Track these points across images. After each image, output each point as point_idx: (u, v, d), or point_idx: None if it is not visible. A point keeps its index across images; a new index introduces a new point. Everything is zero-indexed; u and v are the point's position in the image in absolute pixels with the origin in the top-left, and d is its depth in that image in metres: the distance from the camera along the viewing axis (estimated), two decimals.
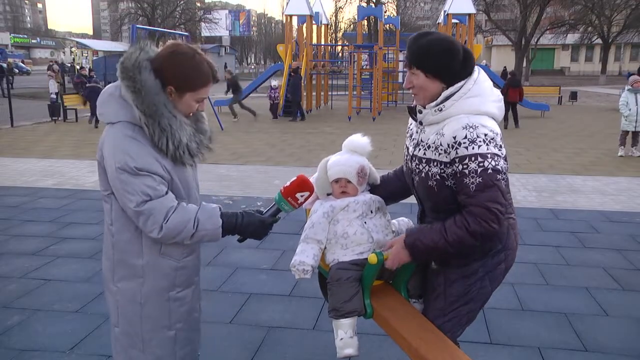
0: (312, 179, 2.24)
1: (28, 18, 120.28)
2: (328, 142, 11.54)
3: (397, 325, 2.05)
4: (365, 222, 2.14)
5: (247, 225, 1.88)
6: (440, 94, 1.90)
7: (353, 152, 2.24)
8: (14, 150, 10.26)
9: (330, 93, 21.81)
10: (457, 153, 1.82)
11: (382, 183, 2.32)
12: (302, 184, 1.93)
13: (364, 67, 20.25)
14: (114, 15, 60.70)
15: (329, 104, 21.62)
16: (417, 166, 1.99)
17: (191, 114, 1.90)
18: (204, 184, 7.32)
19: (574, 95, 22.16)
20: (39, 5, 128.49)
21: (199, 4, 57.82)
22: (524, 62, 37.59)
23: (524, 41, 36.30)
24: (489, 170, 1.77)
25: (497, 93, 1.97)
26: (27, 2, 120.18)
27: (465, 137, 1.80)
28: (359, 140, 2.25)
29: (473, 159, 1.78)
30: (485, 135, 1.80)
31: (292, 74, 16.59)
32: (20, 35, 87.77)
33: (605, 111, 18.97)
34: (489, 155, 1.78)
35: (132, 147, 1.72)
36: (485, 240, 1.89)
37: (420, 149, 1.98)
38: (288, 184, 1.94)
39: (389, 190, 2.29)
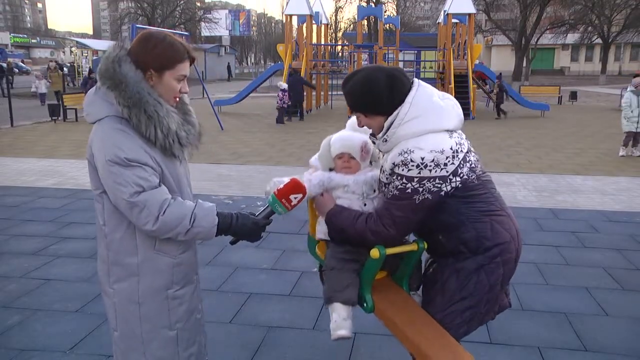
0: (305, 175, 2.25)
1: (28, 18, 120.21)
2: None
3: (398, 321, 2.05)
4: (365, 204, 2.15)
5: (242, 226, 1.88)
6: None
7: (356, 131, 2.25)
8: (14, 150, 10.27)
9: (330, 93, 21.81)
10: (392, 170, 1.95)
11: None
12: (296, 187, 1.96)
13: None
14: (114, 15, 60.69)
15: (329, 103, 21.62)
16: (381, 189, 2.10)
17: (177, 100, 1.88)
18: (204, 183, 7.36)
19: (574, 95, 22.17)
20: (39, 5, 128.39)
21: (199, 4, 57.71)
22: (524, 61, 37.56)
23: (524, 41, 36.26)
24: (408, 190, 1.91)
25: (444, 103, 1.97)
26: (27, 1, 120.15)
27: (401, 161, 1.90)
28: (353, 120, 2.24)
29: (399, 178, 1.91)
30: (422, 158, 1.86)
31: (292, 73, 16.45)
32: (20, 35, 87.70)
33: (605, 111, 18.97)
34: (415, 179, 1.88)
35: (121, 139, 1.72)
36: (380, 241, 2.02)
37: (381, 174, 2.09)
38: (281, 186, 1.96)
39: None
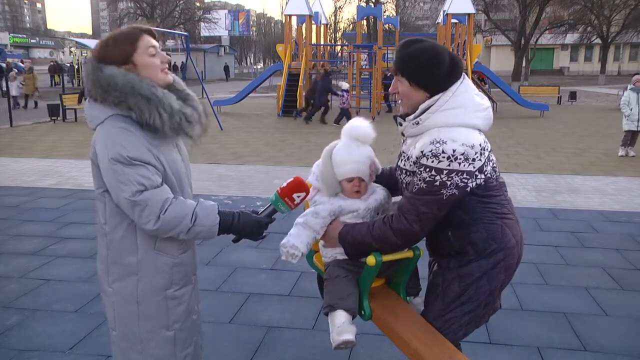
0: (311, 177, 2.22)
1: (27, 18, 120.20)
2: (328, 142, 11.41)
3: (396, 327, 2.05)
4: None
5: (244, 225, 1.87)
6: (421, 104, 1.93)
7: (356, 140, 2.12)
8: (14, 150, 10.26)
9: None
10: (419, 161, 1.89)
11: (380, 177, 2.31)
12: (299, 185, 1.93)
13: (363, 67, 20.26)
14: (114, 15, 60.68)
15: (328, 103, 21.58)
16: (400, 176, 2.06)
17: (166, 69, 1.86)
18: (204, 183, 7.36)
19: (573, 95, 22.17)
20: (38, 5, 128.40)
21: (198, 4, 57.73)
22: (523, 62, 37.57)
23: (523, 41, 36.28)
24: (436, 183, 1.85)
25: (482, 102, 1.96)
26: (26, 2, 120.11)
27: (430, 151, 1.85)
28: (362, 127, 2.12)
29: (428, 170, 1.86)
30: (454, 150, 1.83)
31: (324, 75, 16.04)
32: (20, 35, 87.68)
33: (605, 111, 18.98)
34: (444, 171, 1.84)
35: (125, 138, 1.72)
36: (405, 240, 1.97)
37: (402, 160, 2.04)
38: (285, 184, 1.94)
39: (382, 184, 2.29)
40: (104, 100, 1.75)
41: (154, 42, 1.84)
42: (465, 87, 1.94)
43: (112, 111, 1.76)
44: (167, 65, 1.86)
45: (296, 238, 2.08)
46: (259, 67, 72.39)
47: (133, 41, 1.80)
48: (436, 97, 1.90)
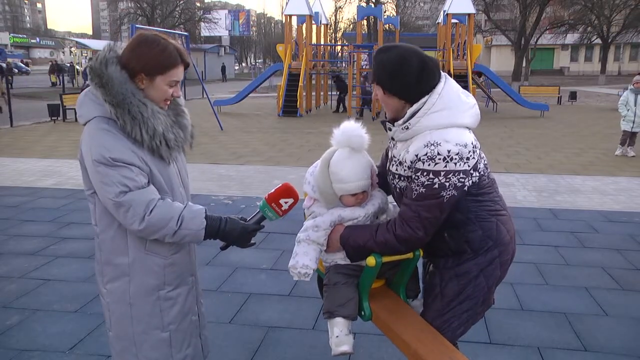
0: (306, 186, 2.19)
1: (27, 18, 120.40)
2: (328, 142, 11.45)
3: (396, 328, 2.05)
4: None
5: (230, 231, 1.86)
6: (402, 109, 1.93)
7: (352, 149, 2.06)
8: (14, 150, 10.26)
9: (329, 93, 21.80)
10: (415, 165, 1.88)
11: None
12: (287, 191, 1.92)
13: (364, 67, 20.24)
14: (114, 15, 60.68)
15: (328, 104, 21.62)
16: (392, 181, 2.05)
17: (168, 103, 1.86)
18: (204, 183, 7.36)
19: (573, 95, 22.16)
20: (39, 5, 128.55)
21: (198, 4, 57.83)
22: (523, 62, 37.57)
23: (523, 41, 36.27)
24: (435, 186, 1.85)
25: (468, 101, 1.95)
26: (26, 2, 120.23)
27: (426, 154, 1.84)
28: (357, 135, 2.04)
29: (425, 174, 1.85)
30: (449, 151, 1.82)
31: None
32: (20, 35, 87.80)
33: (605, 111, 18.97)
34: (442, 173, 1.83)
35: (107, 139, 1.72)
36: (410, 246, 1.97)
37: (393, 164, 2.03)
38: (272, 190, 1.93)
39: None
40: (99, 87, 1.74)
41: (180, 77, 1.84)
42: (449, 87, 1.93)
43: (99, 112, 1.75)
44: (171, 99, 1.87)
45: (304, 257, 2.06)
46: (241, 65, 71.87)
47: (169, 67, 1.78)
48: (423, 99, 1.89)
